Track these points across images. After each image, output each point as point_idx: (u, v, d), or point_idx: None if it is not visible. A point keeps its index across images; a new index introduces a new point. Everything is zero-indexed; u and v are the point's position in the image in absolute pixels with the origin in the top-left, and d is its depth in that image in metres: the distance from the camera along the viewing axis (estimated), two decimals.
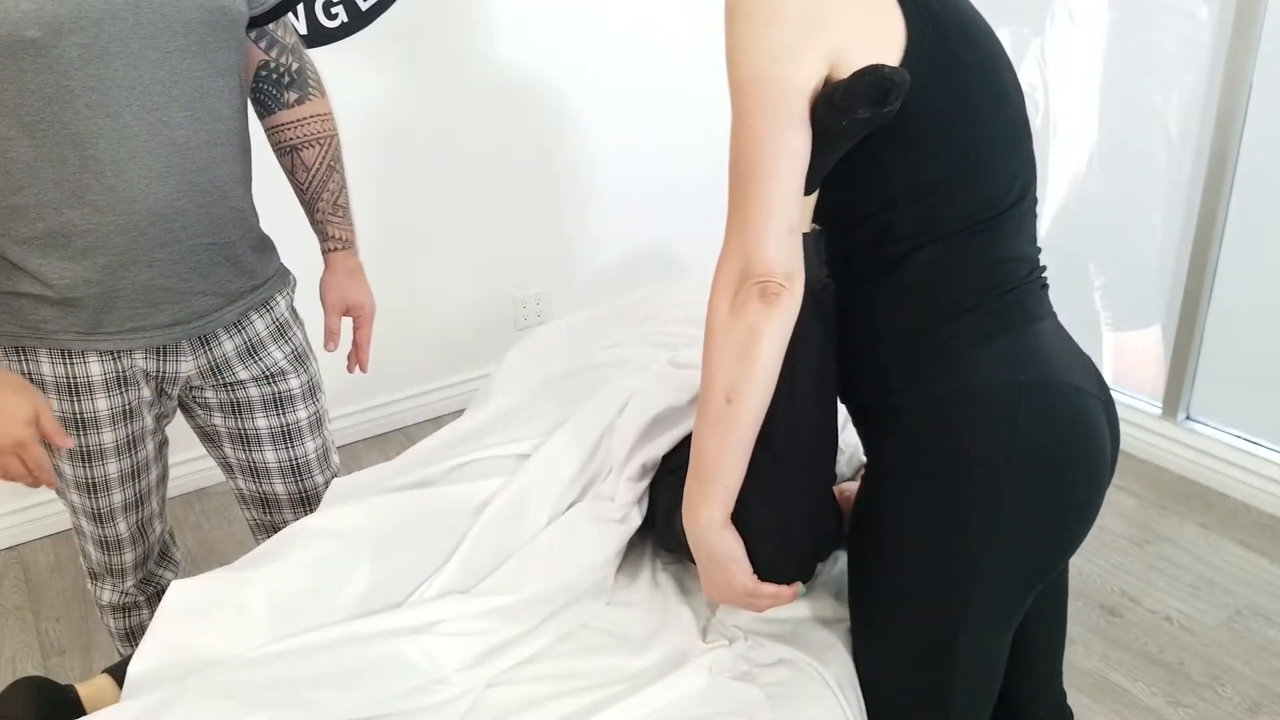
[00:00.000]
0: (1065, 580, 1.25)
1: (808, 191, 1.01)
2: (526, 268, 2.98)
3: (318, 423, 1.56)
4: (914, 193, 1.00)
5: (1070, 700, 1.49)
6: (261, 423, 1.50)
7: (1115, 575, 2.15)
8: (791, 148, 0.93)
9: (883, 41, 0.94)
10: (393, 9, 2.51)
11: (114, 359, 1.35)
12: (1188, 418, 2.52)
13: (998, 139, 1.02)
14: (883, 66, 0.91)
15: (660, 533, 1.28)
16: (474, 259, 2.87)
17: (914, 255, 1.02)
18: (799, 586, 1.14)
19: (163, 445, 1.51)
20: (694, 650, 1.16)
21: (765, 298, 0.95)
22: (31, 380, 1.34)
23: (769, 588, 1.10)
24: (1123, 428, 2.60)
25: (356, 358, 1.62)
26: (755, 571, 1.09)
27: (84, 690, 1.16)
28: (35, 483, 1.31)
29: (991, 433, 1.00)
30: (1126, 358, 2.66)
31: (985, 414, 1.01)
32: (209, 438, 1.55)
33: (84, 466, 1.41)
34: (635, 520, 1.26)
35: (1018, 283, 1.04)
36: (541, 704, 1.08)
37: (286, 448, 1.53)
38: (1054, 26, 2.61)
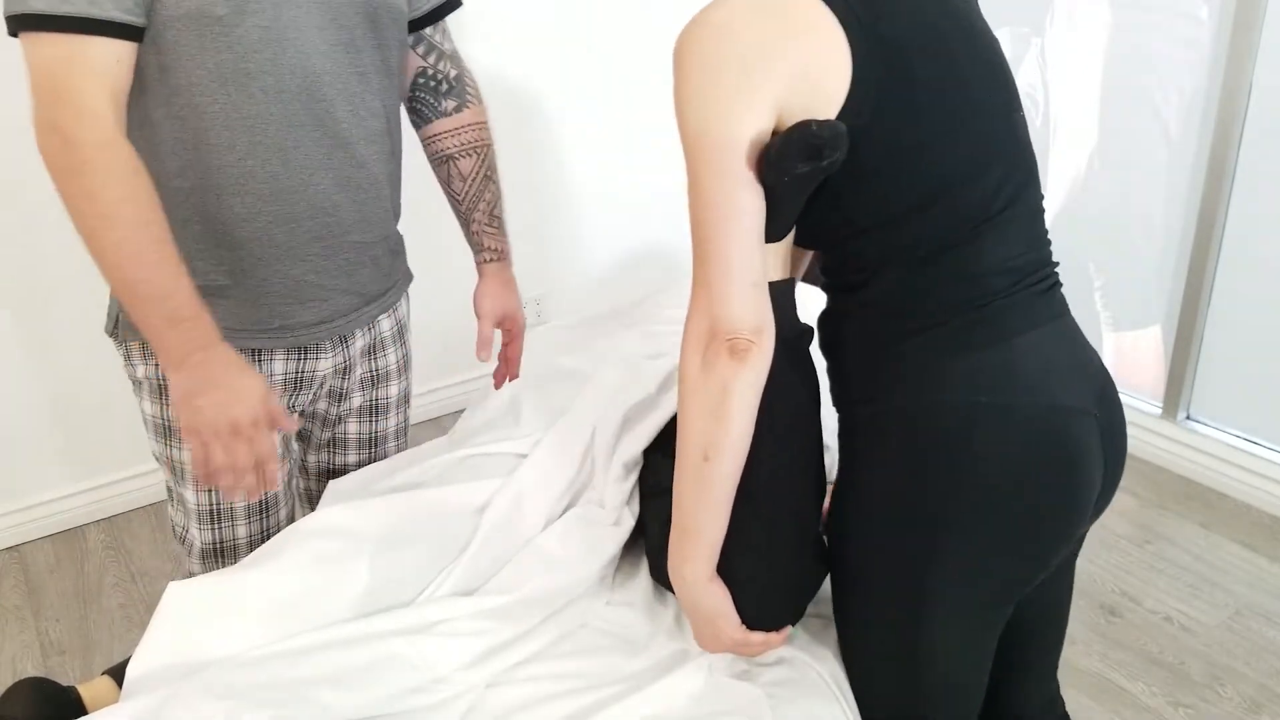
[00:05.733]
0: (1068, 580, 1.23)
1: (779, 238, 1.01)
2: (526, 269, 2.96)
3: (402, 432, 1.55)
4: (880, 224, 0.99)
5: (1070, 700, 1.49)
6: (352, 428, 1.48)
7: (1115, 575, 2.15)
8: (742, 207, 0.93)
9: (827, 71, 0.92)
10: None
11: (254, 363, 1.28)
12: (1188, 418, 2.52)
13: (965, 154, 0.98)
14: (810, 123, 0.90)
15: (653, 567, 1.27)
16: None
17: (883, 272, 1.01)
18: (789, 630, 1.14)
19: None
20: (694, 650, 1.16)
21: (735, 354, 0.95)
22: (159, 384, 1.28)
23: (758, 636, 1.10)
24: None
25: (507, 371, 1.56)
26: (743, 621, 1.09)
27: (85, 692, 1.17)
28: (253, 490, 1.15)
29: (943, 451, 0.99)
30: (1126, 358, 2.66)
31: (936, 433, 0.99)
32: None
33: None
34: (629, 521, 1.26)
35: (993, 297, 1.00)
36: (541, 704, 1.08)
37: (369, 451, 1.51)
38: (1054, 26, 2.61)
